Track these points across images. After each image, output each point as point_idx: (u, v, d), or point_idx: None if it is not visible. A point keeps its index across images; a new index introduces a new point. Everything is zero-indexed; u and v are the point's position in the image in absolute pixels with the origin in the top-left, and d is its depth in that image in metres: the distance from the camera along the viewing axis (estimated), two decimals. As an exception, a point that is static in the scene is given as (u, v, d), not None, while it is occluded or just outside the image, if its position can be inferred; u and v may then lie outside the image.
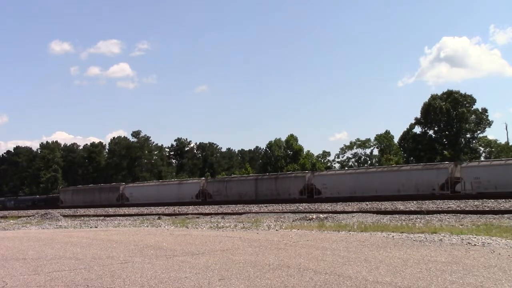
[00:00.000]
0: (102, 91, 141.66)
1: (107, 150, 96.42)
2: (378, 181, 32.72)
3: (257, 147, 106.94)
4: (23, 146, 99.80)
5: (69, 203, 49.87)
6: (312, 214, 18.39)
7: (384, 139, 70.89)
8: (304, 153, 72.25)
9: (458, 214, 16.44)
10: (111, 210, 35.23)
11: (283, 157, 70.07)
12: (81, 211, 36.31)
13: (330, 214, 17.66)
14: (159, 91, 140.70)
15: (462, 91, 61.05)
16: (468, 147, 60.38)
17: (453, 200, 24.16)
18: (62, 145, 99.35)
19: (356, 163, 72.23)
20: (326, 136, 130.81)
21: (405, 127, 67.23)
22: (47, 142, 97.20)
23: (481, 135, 61.24)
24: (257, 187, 38.81)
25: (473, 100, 60.34)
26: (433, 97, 61.35)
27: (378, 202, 25.66)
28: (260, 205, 30.33)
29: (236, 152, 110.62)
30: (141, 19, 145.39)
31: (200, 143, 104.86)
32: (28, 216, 27.40)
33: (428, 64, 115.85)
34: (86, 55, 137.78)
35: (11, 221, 25.09)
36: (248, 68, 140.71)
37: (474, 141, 61.35)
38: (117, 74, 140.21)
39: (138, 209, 33.68)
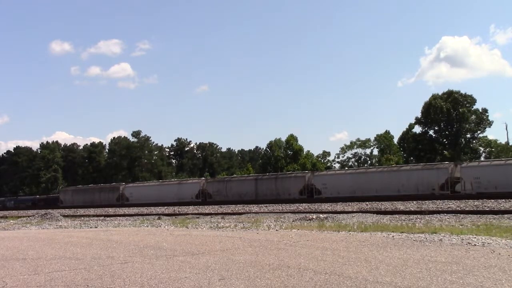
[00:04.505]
0: (102, 91, 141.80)
1: (107, 150, 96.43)
2: (378, 181, 32.71)
3: (257, 147, 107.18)
4: (23, 146, 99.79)
5: (69, 203, 49.84)
6: (312, 214, 18.39)
7: (384, 139, 70.88)
8: (304, 153, 72.23)
9: (458, 214, 16.45)
10: (111, 210, 35.22)
11: (283, 157, 70.06)
12: (81, 211, 36.31)
13: (330, 214, 17.66)
14: (160, 91, 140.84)
15: (462, 91, 61.22)
16: (468, 147, 60.37)
17: (453, 200, 24.14)
18: (62, 145, 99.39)
19: (356, 163, 72.22)
20: (326, 136, 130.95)
21: (405, 127, 67.32)
22: (47, 142, 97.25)
23: (481, 135, 61.31)
24: (257, 187, 38.80)
25: (473, 100, 60.37)
26: (434, 97, 61.35)
27: (378, 202, 25.66)
28: (260, 205, 30.32)
29: (236, 152, 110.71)
30: (142, 19, 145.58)
31: (200, 143, 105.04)
32: (28, 216, 27.41)
33: (428, 64, 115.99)
34: (87, 55, 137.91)
35: (11, 221, 25.09)
36: (248, 68, 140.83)
37: (474, 141, 61.34)
38: (117, 74, 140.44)
39: (138, 209, 33.68)
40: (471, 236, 9.76)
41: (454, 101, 59.74)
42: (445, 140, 61.52)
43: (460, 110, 59.08)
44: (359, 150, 74.00)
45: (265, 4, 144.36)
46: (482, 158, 57.20)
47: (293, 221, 16.25)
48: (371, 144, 73.19)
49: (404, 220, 15.14)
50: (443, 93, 61.49)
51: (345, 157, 74.83)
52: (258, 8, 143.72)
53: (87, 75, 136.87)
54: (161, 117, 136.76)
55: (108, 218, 24.30)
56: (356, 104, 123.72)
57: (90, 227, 17.62)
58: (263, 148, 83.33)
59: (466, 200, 23.80)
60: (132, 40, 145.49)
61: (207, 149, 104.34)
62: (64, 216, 27.09)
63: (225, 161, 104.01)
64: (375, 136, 72.59)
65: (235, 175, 60.75)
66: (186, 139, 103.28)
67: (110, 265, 7.43)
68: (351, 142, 74.31)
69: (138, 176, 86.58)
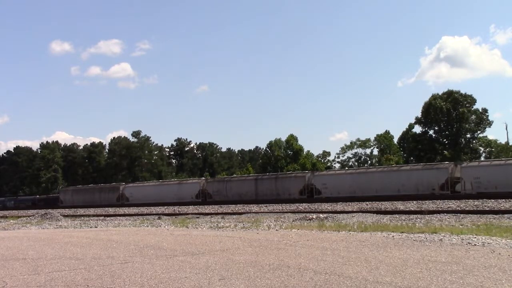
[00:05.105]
0: (102, 91, 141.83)
1: (107, 150, 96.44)
2: (378, 181, 32.70)
3: (257, 147, 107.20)
4: (23, 146, 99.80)
5: (69, 203, 49.83)
6: (312, 214, 18.39)
7: (384, 139, 70.89)
8: (304, 153, 72.24)
9: (458, 214, 16.44)
10: (111, 210, 35.21)
11: (283, 157, 70.06)
12: (81, 211, 36.30)
13: (330, 214, 17.65)
14: (160, 91, 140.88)
15: (462, 91, 61.21)
16: (468, 147, 60.36)
17: (453, 200, 24.13)
18: (62, 145, 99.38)
19: (356, 163, 72.22)
20: (326, 136, 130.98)
21: (405, 127, 67.40)
22: (47, 142, 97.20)
23: (481, 135, 61.29)
24: (257, 187, 38.79)
25: (473, 100, 60.36)
26: (434, 97, 61.36)
27: (378, 202, 25.64)
28: (260, 205, 30.31)
29: (236, 152, 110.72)
30: (142, 19, 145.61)
31: (200, 143, 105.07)
32: (28, 216, 27.41)
33: (428, 64, 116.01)
34: (87, 55, 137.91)
35: (11, 221, 25.09)
36: (248, 68, 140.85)
37: (474, 141, 61.33)
38: (118, 74, 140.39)
39: (138, 209, 33.67)
40: (471, 236, 9.76)
41: (454, 101, 59.73)
42: (445, 140, 61.51)
43: (460, 110, 59.06)
44: (359, 150, 74.08)
45: (265, 4, 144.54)
46: (482, 158, 57.19)
47: (293, 221, 16.25)
48: (371, 144, 73.24)
49: (404, 220, 15.13)
50: (443, 93, 61.50)
51: (345, 157, 74.92)
52: (258, 8, 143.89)
53: (87, 75, 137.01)
54: (161, 117, 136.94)
55: (108, 218, 24.30)
56: (356, 104, 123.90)
57: (90, 227, 17.62)
58: (263, 148, 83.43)
59: (466, 200, 23.79)
60: (132, 40, 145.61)
61: (207, 149, 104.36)
62: (64, 216, 27.09)
63: (225, 161, 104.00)
64: (375, 136, 72.69)
65: (235, 175, 60.75)
66: (186, 139, 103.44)
67: (110, 265, 7.43)
68: (351, 142, 74.39)
69: (138, 176, 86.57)
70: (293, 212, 21.66)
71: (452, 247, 8.29)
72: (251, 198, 36.95)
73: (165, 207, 35.33)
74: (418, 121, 62.39)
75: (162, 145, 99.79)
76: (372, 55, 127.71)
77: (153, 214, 25.80)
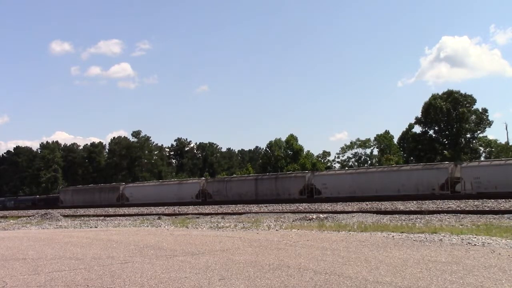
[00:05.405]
0: (102, 91, 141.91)
1: (107, 150, 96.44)
2: (378, 181, 32.69)
3: (257, 147, 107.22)
4: (23, 146, 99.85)
5: (69, 203, 49.83)
6: (312, 214, 18.39)
7: (384, 139, 70.90)
8: (304, 153, 72.24)
9: (458, 214, 16.44)
10: (111, 210, 35.21)
11: (283, 157, 70.06)
12: (81, 211, 36.30)
13: (330, 214, 17.65)
14: (160, 91, 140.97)
15: (462, 91, 61.22)
16: (468, 147, 60.36)
17: (453, 200, 24.13)
18: (62, 145, 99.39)
19: (356, 163, 72.22)
20: (326, 136, 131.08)
21: (405, 127, 67.43)
22: (47, 142, 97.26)
23: (481, 135, 61.30)
24: (257, 187, 38.78)
25: (473, 100, 60.38)
26: (434, 97, 61.38)
27: (378, 202, 25.64)
28: (260, 205, 30.31)
29: (236, 152, 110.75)
30: (142, 19, 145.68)
31: (200, 143, 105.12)
32: (28, 216, 27.41)
33: (428, 64, 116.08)
34: (87, 55, 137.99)
35: (11, 221, 25.10)
36: (248, 68, 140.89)
37: (474, 141, 61.33)
38: (118, 74, 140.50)
39: (138, 209, 33.67)
40: (471, 236, 9.76)
41: (454, 101, 59.74)
42: (445, 140, 61.52)
43: (460, 110, 59.07)
44: (359, 150, 74.10)
45: (265, 4, 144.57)
46: (482, 158, 57.18)
47: (293, 221, 16.25)
48: (371, 144, 73.25)
49: (404, 220, 15.13)
50: (443, 93, 61.50)
51: (345, 157, 74.94)
52: (258, 8, 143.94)
53: (87, 75, 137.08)
54: (161, 117, 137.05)
55: (108, 218, 24.29)
56: (356, 104, 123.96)
57: (90, 227, 17.62)
58: (263, 148, 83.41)
59: (466, 200, 23.78)
60: (132, 40, 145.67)
61: (207, 149, 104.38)
62: (64, 216, 27.10)
63: (225, 161, 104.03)
64: (375, 136, 72.71)
65: (235, 175, 60.74)
66: (186, 139, 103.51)
67: (110, 265, 7.43)
68: (351, 142, 74.42)
69: (138, 176, 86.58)
70: (293, 212, 21.66)
71: (452, 247, 8.29)
72: (251, 198, 36.94)
73: (165, 207, 35.32)
74: (418, 121, 62.40)
75: (162, 145, 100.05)
76: (372, 55, 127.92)
77: (153, 214, 25.80)
